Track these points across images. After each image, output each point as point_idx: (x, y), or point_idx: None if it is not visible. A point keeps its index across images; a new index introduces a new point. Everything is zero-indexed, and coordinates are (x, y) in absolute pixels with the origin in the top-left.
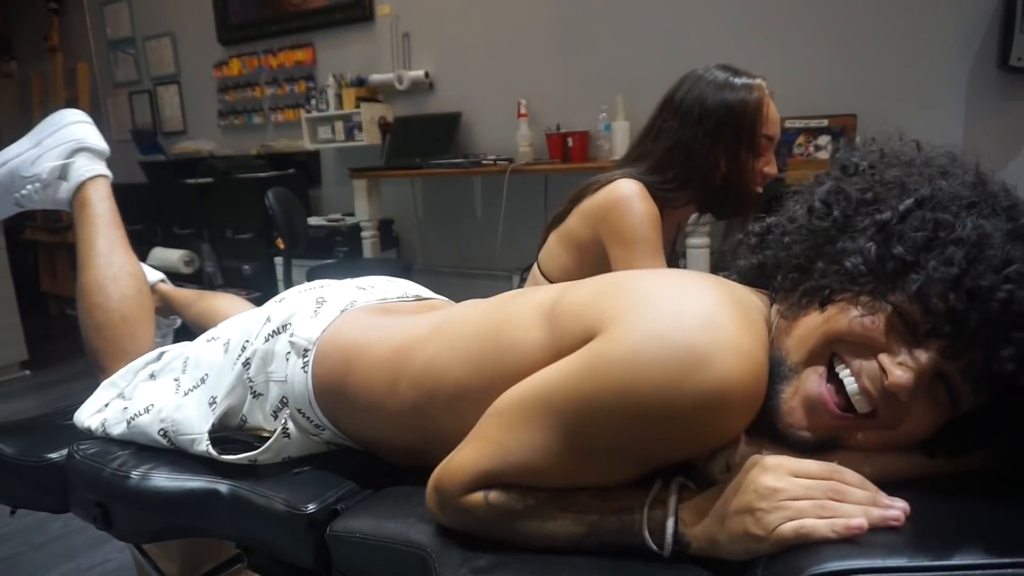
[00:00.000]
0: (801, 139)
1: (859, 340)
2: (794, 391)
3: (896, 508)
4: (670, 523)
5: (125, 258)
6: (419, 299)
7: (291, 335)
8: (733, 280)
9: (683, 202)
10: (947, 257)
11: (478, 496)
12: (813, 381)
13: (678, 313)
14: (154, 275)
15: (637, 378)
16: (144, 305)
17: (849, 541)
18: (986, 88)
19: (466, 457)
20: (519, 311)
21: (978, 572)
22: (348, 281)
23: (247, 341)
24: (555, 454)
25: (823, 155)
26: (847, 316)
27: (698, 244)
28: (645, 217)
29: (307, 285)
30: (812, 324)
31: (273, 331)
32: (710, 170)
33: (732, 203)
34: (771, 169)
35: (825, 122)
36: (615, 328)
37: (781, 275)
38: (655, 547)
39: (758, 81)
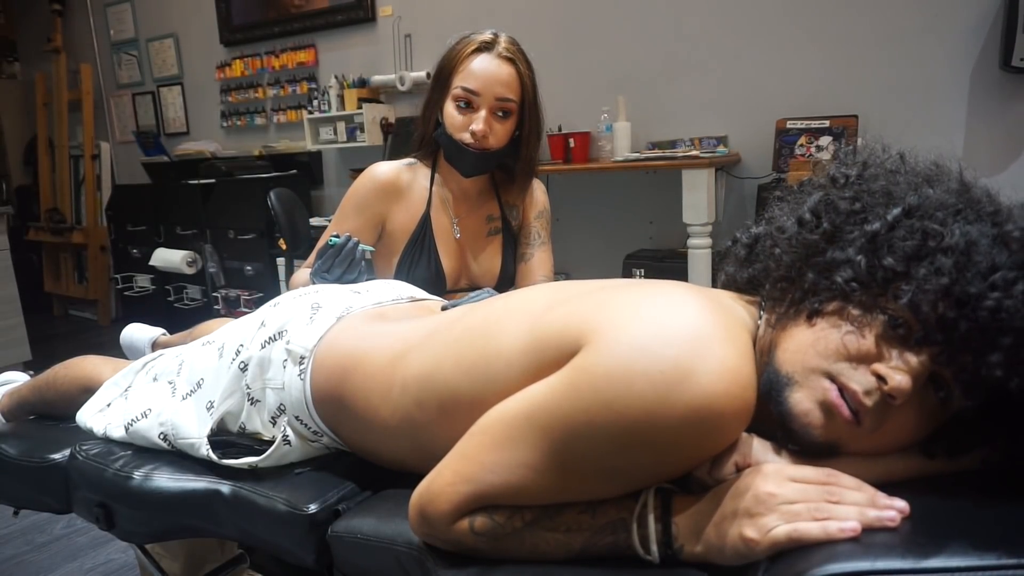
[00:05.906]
0: (803, 140)
1: (853, 356)
2: (805, 396)
3: (893, 509)
4: (660, 532)
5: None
6: (413, 300)
7: (287, 342)
8: (721, 280)
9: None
10: (937, 267)
11: (464, 524)
12: (825, 388)
13: (662, 325)
14: (153, 331)
15: (623, 392)
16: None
17: (849, 543)
18: (988, 89)
19: (449, 481)
20: (508, 315)
21: (980, 573)
22: (343, 285)
23: (241, 345)
24: (542, 472)
25: (825, 156)
26: (839, 332)
27: (699, 245)
28: (351, 191)
29: (302, 290)
30: (804, 340)
31: (269, 337)
32: (431, 122)
33: (450, 155)
34: (476, 127)
35: (827, 123)
36: (599, 340)
37: (770, 285)
38: (648, 558)
39: (475, 36)
